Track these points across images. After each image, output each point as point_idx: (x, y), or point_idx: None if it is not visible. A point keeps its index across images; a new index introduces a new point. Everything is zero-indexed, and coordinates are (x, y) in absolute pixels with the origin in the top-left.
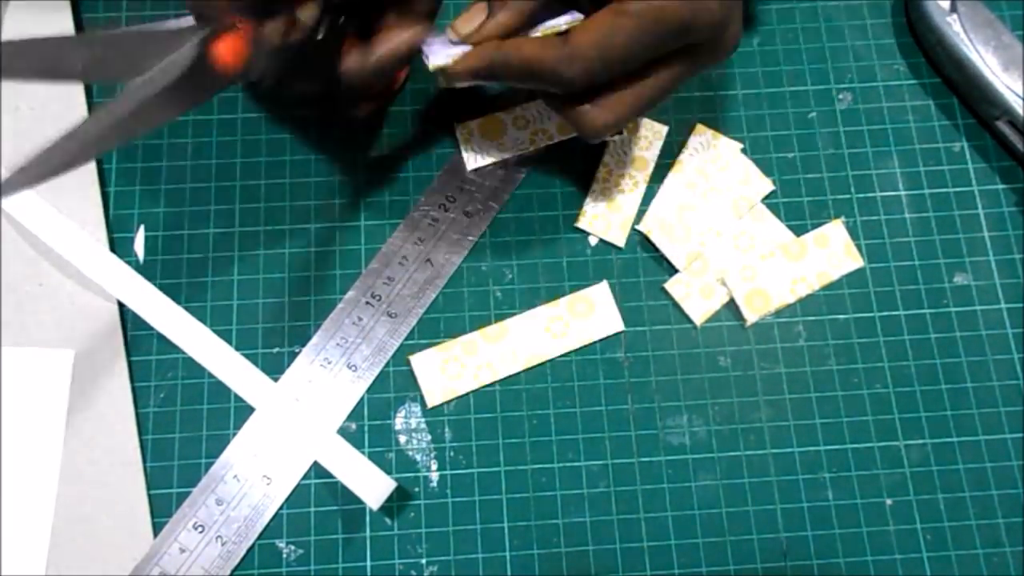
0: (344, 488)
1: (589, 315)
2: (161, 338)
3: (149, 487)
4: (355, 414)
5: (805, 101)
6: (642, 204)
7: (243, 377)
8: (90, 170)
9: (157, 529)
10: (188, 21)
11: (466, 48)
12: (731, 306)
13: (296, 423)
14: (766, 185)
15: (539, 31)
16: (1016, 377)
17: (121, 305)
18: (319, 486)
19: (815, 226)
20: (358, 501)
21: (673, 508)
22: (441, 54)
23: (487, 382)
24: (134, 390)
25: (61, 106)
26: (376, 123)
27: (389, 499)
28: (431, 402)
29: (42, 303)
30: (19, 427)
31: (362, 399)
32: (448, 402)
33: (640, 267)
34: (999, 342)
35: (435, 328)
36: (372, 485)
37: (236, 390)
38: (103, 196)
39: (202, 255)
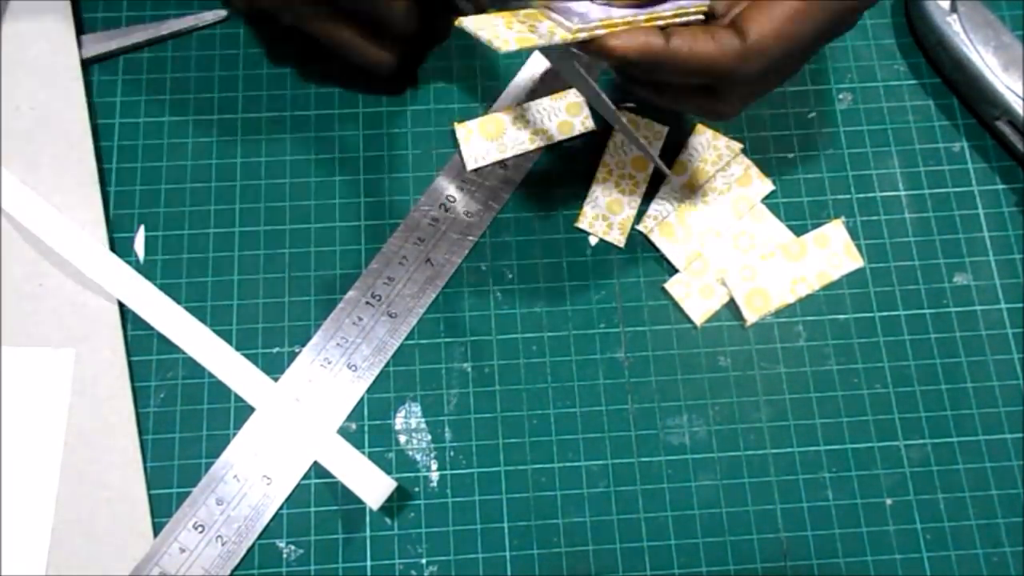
0: (344, 488)
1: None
2: (161, 338)
3: (149, 487)
4: (355, 414)
5: (805, 101)
6: (642, 204)
7: (243, 377)
8: (90, 170)
9: (157, 529)
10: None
11: (615, 13)
12: (731, 306)
13: (296, 423)
14: (766, 186)
15: (670, 8)
16: (1016, 377)
17: (121, 305)
18: (319, 486)
19: (815, 226)
20: (358, 501)
21: (673, 508)
22: (579, 16)
23: None
24: (134, 390)
25: (61, 106)
26: (404, 79)
27: (389, 499)
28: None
29: (42, 303)
30: (19, 427)
31: (362, 399)
32: (450, 398)
33: (640, 267)
34: (999, 342)
35: (435, 328)
36: (372, 485)
37: (236, 390)
38: (103, 196)
39: (202, 255)
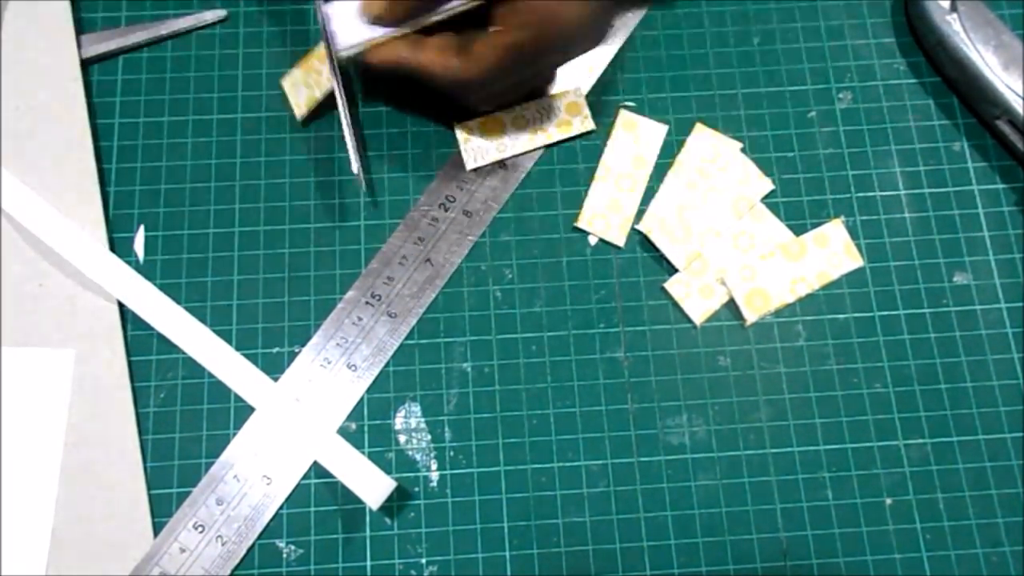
0: (344, 488)
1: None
2: (161, 338)
3: (149, 487)
4: (355, 414)
5: (805, 101)
6: (642, 204)
7: (243, 377)
8: (90, 171)
9: (157, 529)
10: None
11: (376, 33)
12: (731, 306)
13: (296, 423)
14: (766, 184)
15: (443, 13)
16: (1016, 377)
17: (121, 305)
18: (319, 486)
19: (815, 226)
20: (358, 501)
21: (673, 508)
22: (350, 34)
23: None
24: (134, 390)
25: (61, 106)
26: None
27: (389, 499)
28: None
29: (42, 303)
30: (19, 427)
31: (362, 399)
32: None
33: (640, 267)
34: (999, 342)
35: (435, 328)
36: (372, 485)
37: (236, 390)
38: (103, 196)
39: (202, 255)
